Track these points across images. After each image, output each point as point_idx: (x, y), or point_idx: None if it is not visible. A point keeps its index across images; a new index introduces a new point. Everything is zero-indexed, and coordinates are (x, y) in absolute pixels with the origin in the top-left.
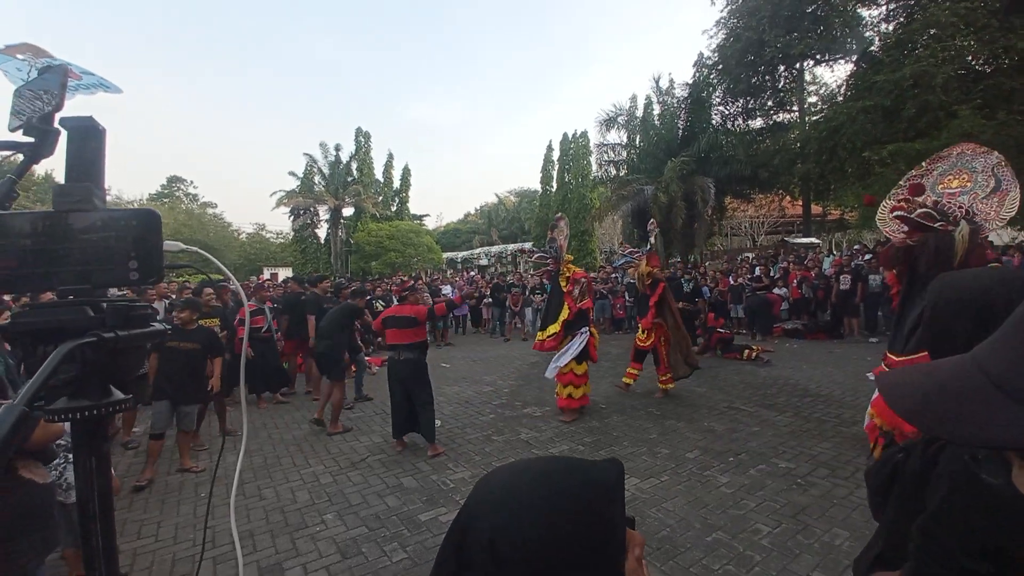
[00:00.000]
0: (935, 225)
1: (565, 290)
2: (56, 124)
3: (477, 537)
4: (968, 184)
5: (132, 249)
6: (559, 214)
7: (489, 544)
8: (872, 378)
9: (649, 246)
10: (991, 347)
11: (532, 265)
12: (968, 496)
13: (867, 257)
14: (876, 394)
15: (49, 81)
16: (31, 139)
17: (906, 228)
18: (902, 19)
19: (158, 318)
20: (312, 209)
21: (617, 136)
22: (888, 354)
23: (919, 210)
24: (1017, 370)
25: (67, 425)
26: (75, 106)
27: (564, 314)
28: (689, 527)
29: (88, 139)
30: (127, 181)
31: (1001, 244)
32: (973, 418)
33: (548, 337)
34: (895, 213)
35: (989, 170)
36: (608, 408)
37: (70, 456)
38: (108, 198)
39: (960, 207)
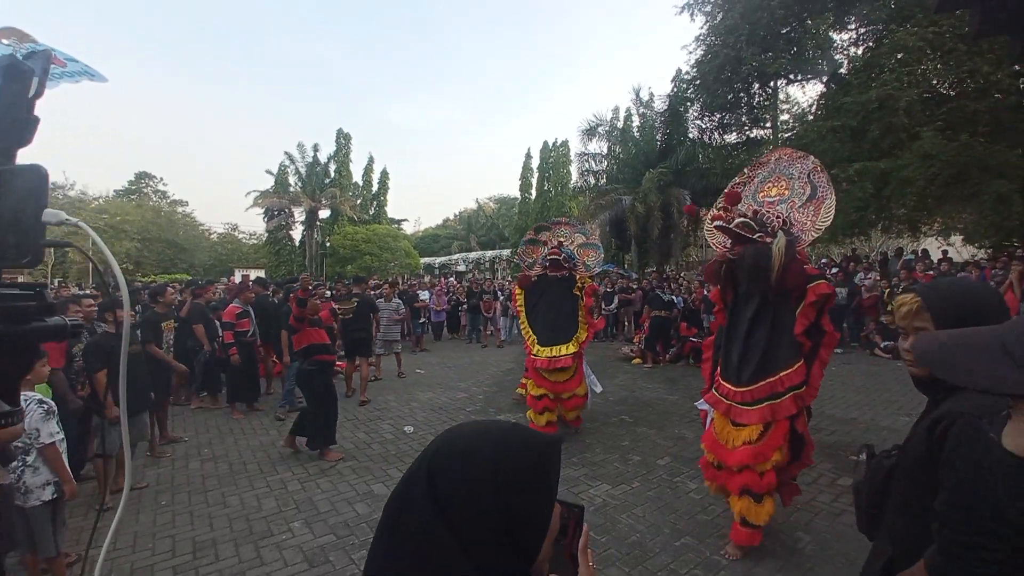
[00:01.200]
0: (754, 236)
1: (585, 302)
2: (36, 113)
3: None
4: (786, 192)
5: (12, 218)
6: (563, 218)
7: (428, 475)
8: (701, 406)
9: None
10: (1010, 325)
11: (510, 273)
12: (974, 451)
13: (833, 271)
14: (707, 429)
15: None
16: None
17: (729, 240)
18: (871, 43)
19: (59, 313)
20: (287, 210)
21: (597, 146)
22: (723, 382)
23: (737, 220)
24: (1021, 343)
25: (27, 423)
26: (58, 92)
27: (585, 334)
28: (658, 532)
29: (10, 81)
30: (96, 175)
31: (960, 261)
32: (982, 370)
33: (566, 356)
34: (715, 223)
35: (805, 176)
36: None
37: (27, 459)
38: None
39: (778, 217)
